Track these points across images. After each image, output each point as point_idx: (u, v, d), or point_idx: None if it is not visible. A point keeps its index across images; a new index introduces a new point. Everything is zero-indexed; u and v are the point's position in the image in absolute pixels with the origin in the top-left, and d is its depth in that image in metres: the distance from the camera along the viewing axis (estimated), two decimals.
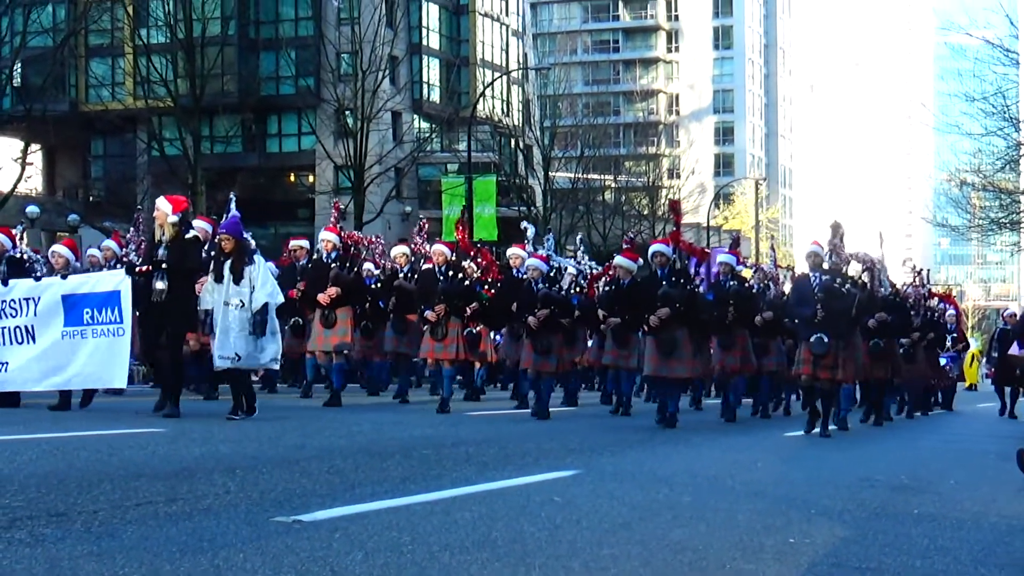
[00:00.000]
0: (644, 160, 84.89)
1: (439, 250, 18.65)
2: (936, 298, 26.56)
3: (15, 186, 44.78)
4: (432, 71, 67.50)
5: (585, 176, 70.11)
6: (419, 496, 7.98)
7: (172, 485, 8.03)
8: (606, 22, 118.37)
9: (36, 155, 53.25)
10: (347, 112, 54.61)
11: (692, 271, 18.39)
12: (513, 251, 20.12)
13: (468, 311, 18.87)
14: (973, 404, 34.14)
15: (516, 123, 68.75)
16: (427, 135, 62.82)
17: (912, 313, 22.24)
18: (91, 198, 62.99)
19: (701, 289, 17.78)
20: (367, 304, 20.59)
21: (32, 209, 43.55)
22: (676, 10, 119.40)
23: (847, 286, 15.88)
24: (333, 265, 18.34)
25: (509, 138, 67.89)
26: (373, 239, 21.35)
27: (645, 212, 73.21)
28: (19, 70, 51.97)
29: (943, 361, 26.19)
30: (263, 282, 14.41)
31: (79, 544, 5.91)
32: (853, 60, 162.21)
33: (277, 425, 13.84)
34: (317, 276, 18.58)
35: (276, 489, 8.08)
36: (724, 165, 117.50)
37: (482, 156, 61.68)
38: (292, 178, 65.70)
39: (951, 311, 27.98)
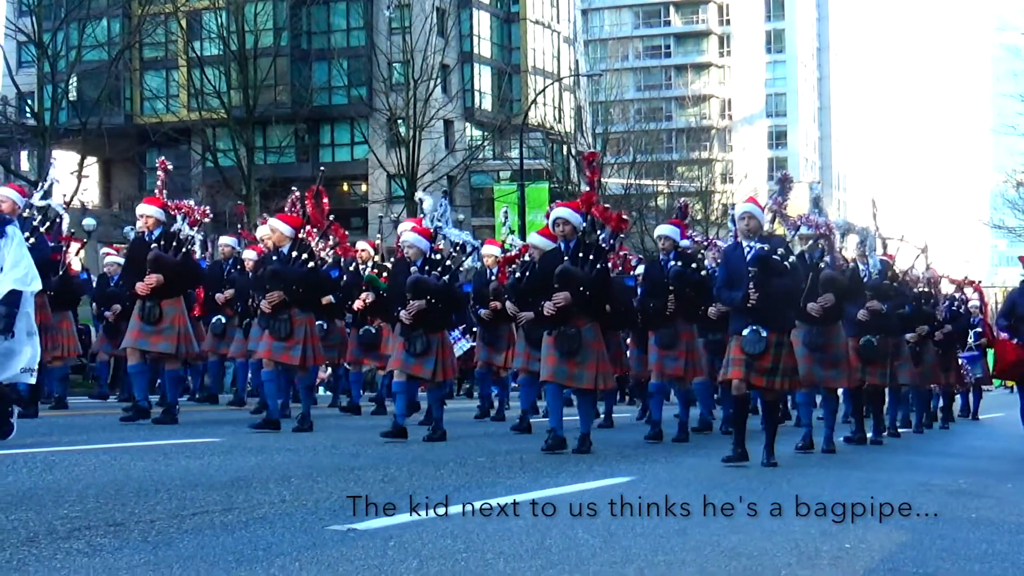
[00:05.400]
0: (697, 165, 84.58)
1: (275, 226, 14.40)
2: (955, 285, 22.44)
3: (71, 199, 45.05)
4: (484, 79, 67.62)
5: (638, 182, 69.91)
6: (474, 504, 7.98)
7: (228, 494, 8.08)
8: (657, 27, 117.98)
9: (92, 168, 53.67)
10: (399, 121, 54.72)
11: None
12: (404, 226, 15.62)
13: (362, 303, 16.52)
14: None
15: (568, 130, 68.70)
16: (479, 143, 62.89)
17: (931, 303, 18.42)
18: None
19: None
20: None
21: (89, 222, 43.89)
22: (728, 14, 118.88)
23: (792, 259, 11.73)
24: (153, 246, 14.39)
25: (561, 145, 67.82)
26: (206, 210, 15.93)
27: (699, 217, 72.97)
28: (75, 84, 52.43)
29: (961, 361, 22.19)
30: (15, 262, 10.72)
31: (136, 554, 5.96)
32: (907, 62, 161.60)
33: (332, 434, 13.88)
34: (136, 259, 14.69)
35: (331, 498, 8.11)
36: (778, 169, 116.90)
37: (534, 163, 61.71)
38: (345, 187, 65.95)
39: (974, 302, 23.37)
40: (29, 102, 46.70)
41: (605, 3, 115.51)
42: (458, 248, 14.54)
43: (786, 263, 11.44)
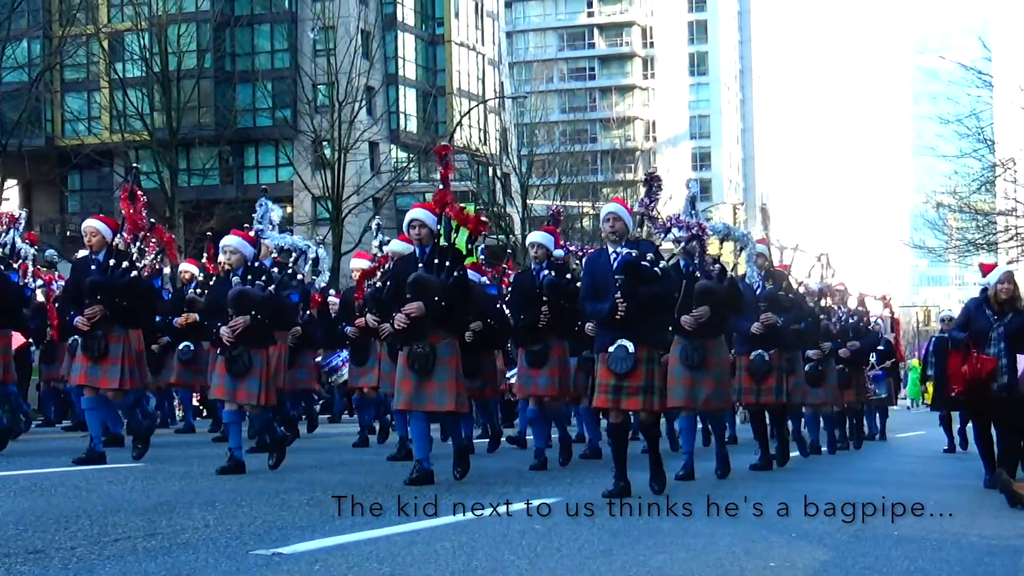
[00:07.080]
0: (622, 187, 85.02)
1: (92, 228, 12.54)
2: (858, 300, 21.11)
3: None
4: (409, 101, 67.60)
5: (563, 203, 70.15)
6: (399, 527, 7.96)
7: (151, 520, 8.00)
8: (582, 50, 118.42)
9: (12, 191, 53.08)
10: (324, 143, 54.59)
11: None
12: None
13: (185, 321, 15.71)
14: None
15: (493, 152, 68.77)
16: (404, 165, 62.83)
17: (824, 317, 17.34)
18: (68, 232, 62.81)
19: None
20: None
21: None
22: (651, 37, 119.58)
23: (663, 264, 10.64)
24: None
25: (487, 167, 67.89)
26: (16, 215, 14.88)
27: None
28: None
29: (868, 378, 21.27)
30: None
31: None
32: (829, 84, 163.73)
33: (258, 458, 13.77)
34: None
35: (256, 522, 8.05)
36: (702, 191, 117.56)
37: (460, 185, 61.69)
38: None
39: (877, 320, 22.42)
40: None
41: (530, 25, 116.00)
42: (285, 252, 13.14)
43: (656, 269, 10.34)
